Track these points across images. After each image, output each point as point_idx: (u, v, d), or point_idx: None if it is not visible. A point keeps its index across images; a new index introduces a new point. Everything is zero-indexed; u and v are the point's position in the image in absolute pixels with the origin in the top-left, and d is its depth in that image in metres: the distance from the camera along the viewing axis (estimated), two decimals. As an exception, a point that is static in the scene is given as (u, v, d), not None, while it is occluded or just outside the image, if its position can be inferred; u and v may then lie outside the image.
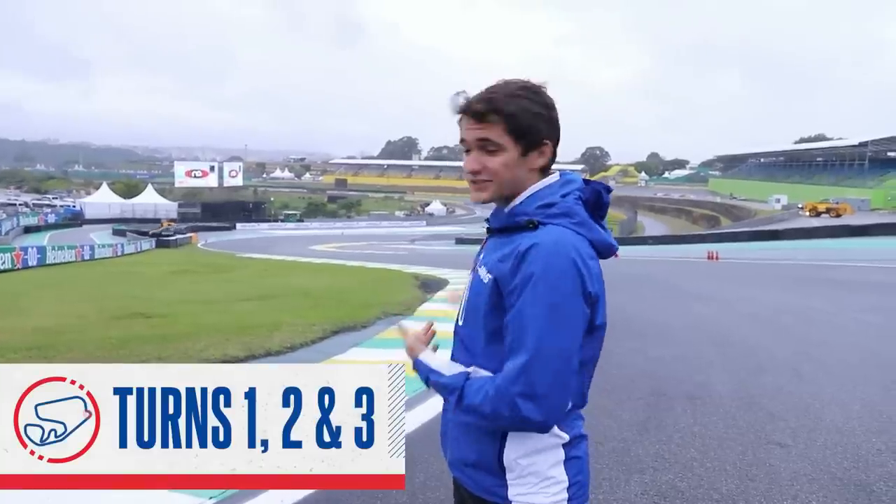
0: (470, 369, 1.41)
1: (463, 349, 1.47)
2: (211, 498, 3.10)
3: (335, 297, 12.46)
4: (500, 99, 1.35)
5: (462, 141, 1.41)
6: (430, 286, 14.38)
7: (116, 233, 56.22)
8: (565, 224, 1.36)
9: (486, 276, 1.39)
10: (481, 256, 1.48)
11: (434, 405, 4.57)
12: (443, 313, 9.96)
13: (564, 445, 1.41)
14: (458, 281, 14.65)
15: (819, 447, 4.10)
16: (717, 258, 24.17)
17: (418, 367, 1.50)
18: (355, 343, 7.79)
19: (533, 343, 1.26)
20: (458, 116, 1.41)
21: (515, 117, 1.35)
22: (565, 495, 1.40)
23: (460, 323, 1.49)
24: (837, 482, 3.56)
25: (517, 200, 1.42)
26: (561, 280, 1.28)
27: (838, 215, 46.25)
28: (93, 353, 6.79)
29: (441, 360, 1.48)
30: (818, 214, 47.61)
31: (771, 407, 4.99)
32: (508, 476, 1.39)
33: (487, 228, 1.50)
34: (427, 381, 1.48)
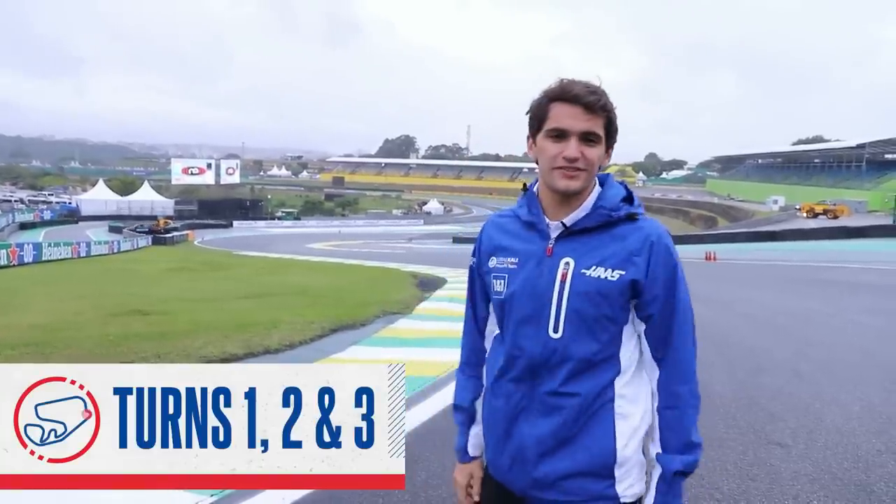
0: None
1: (552, 366, 1.40)
2: (212, 496, 3.08)
3: (333, 296, 12.45)
4: (603, 95, 1.39)
5: (553, 129, 1.40)
6: (428, 285, 14.36)
7: (113, 230, 56.14)
8: (646, 215, 1.47)
9: (612, 274, 1.39)
10: (572, 260, 1.41)
11: (434, 405, 4.55)
12: (441, 312, 9.96)
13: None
14: (457, 280, 14.63)
15: (819, 447, 4.10)
16: (714, 259, 24.21)
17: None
18: (354, 341, 7.77)
19: (692, 325, 1.49)
20: (550, 103, 1.41)
21: (612, 114, 1.42)
22: (645, 478, 1.44)
23: (556, 336, 1.40)
24: (838, 482, 3.56)
25: (595, 195, 1.45)
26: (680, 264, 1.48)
27: (835, 217, 46.42)
28: (91, 351, 6.75)
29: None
30: (815, 216, 47.78)
31: (771, 407, 4.99)
32: (618, 472, 1.39)
33: (566, 228, 1.43)
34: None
